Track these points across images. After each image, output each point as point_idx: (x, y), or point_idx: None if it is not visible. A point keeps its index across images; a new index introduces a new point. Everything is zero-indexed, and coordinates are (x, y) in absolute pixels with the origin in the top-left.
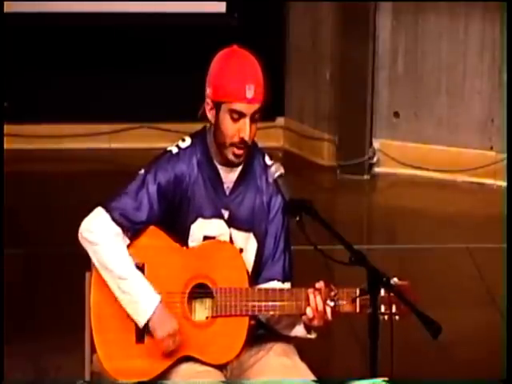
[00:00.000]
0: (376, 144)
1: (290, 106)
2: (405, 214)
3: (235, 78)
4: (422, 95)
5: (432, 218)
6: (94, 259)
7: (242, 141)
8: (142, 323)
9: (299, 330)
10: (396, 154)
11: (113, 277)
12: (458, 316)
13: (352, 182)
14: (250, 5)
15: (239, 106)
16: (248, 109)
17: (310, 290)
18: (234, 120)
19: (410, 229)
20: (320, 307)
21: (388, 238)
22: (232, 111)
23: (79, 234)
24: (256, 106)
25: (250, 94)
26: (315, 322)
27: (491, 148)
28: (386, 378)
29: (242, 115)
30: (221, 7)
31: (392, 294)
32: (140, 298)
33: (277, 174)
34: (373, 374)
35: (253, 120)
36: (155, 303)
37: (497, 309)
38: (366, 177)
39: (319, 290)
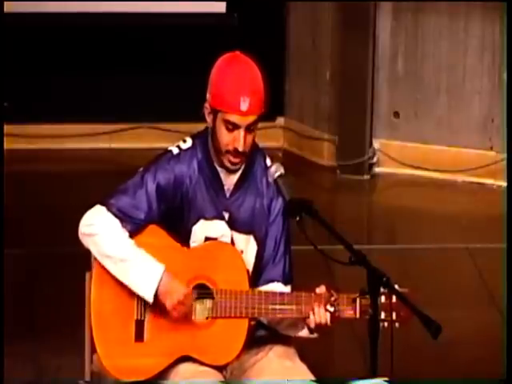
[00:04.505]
0: (376, 144)
1: (290, 106)
2: (405, 214)
3: (231, 89)
4: (422, 95)
5: (432, 218)
6: (94, 252)
7: (237, 150)
8: (150, 296)
9: (301, 331)
10: (396, 154)
11: (115, 262)
12: (458, 316)
13: (352, 182)
14: (250, 5)
15: (233, 118)
16: (242, 121)
17: (314, 300)
18: (229, 130)
19: (410, 229)
20: (323, 321)
21: (388, 238)
22: (226, 122)
23: (79, 232)
24: (251, 118)
25: (244, 106)
26: (316, 330)
27: (491, 148)
28: (386, 378)
29: (236, 126)
30: (221, 7)
31: (392, 301)
32: (144, 272)
33: (277, 174)
34: (373, 374)
35: (248, 130)
36: (160, 272)
37: (497, 309)
38: (366, 177)
39: (320, 296)
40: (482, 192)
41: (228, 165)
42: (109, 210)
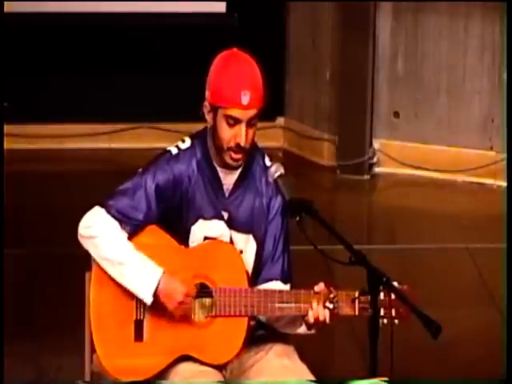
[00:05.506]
0: (376, 144)
1: (290, 106)
2: (405, 214)
3: (231, 84)
4: (422, 95)
5: (432, 218)
6: (94, 254)
7: (239, 146)
8: (149, 300)
9: (300, 328)
10: (396, 154)
11: (114, 265)
12: (458, 316)
13: (352, 182)
14: (250, 5)
15: (234, 112)
16: (243, 115)
17: (313, 297)
18: (230, 125)
19: (410, 229)
20: (322, 317)
21: (388, 238)
22: (228, 117)
23: (78, 234)
24: (252, 112)
25: (245, 100)
26: (314, 327)
27: (491, 148)
28: (386, 378)
29: (237, 121)
30: (221, 7)
31: (392, 298)
32: (142, 276)
33: (277, 174)
34: (373, 374)
35: (249, 125)
36: (158, 276)
37: (497, 309)
38: (366, 177)
39: (319, 293)
40: (481, 192)
41: (230, 161)
42: (108, 211)
